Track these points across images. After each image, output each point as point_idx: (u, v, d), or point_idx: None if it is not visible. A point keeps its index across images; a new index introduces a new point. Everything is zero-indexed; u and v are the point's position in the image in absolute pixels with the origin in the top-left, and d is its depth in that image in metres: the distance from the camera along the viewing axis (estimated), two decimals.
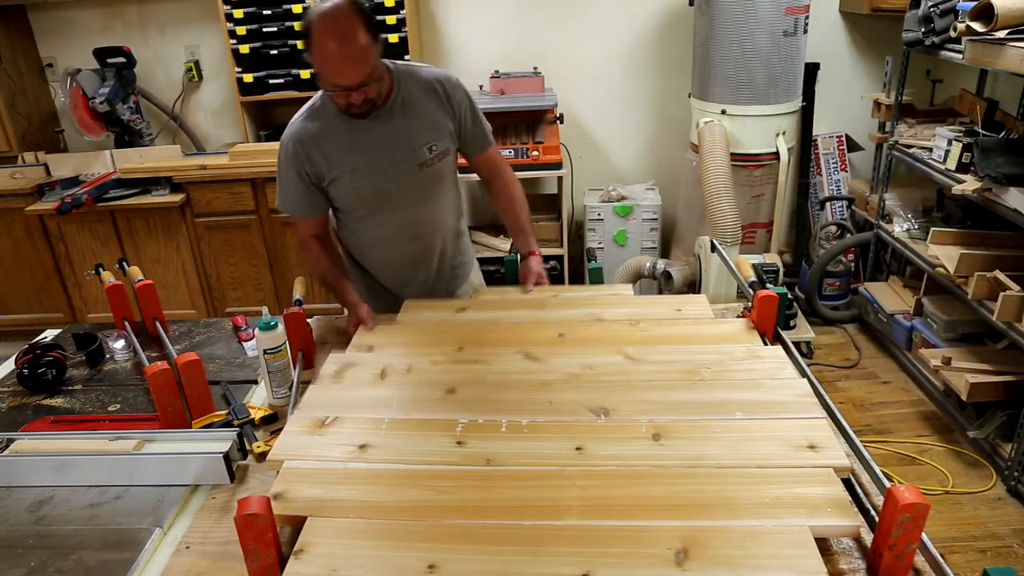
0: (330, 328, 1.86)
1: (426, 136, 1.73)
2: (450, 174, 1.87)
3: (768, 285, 1.59)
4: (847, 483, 1.14)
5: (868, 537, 1.05)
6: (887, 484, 1.09)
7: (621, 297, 1.79)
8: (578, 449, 1.20)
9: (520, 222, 1.92)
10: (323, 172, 1.69)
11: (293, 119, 1.71)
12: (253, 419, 1.44)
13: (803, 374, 1.42)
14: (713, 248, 2.19)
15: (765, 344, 1.53)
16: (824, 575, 0.94)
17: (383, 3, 3.37)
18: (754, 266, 1.70)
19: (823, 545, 1.05)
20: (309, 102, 1.71)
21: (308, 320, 1.70)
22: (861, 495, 1.11)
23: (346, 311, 1.77)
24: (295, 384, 1.49)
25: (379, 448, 1.22)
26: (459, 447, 1.22)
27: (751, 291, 1.59)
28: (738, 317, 1.68)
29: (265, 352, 1.49)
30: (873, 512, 1.06)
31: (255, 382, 1.64)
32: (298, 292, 1.73)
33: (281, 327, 1.51)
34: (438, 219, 1.87)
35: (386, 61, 1.67)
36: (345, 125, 1.67)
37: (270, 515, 0.99)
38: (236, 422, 1.41)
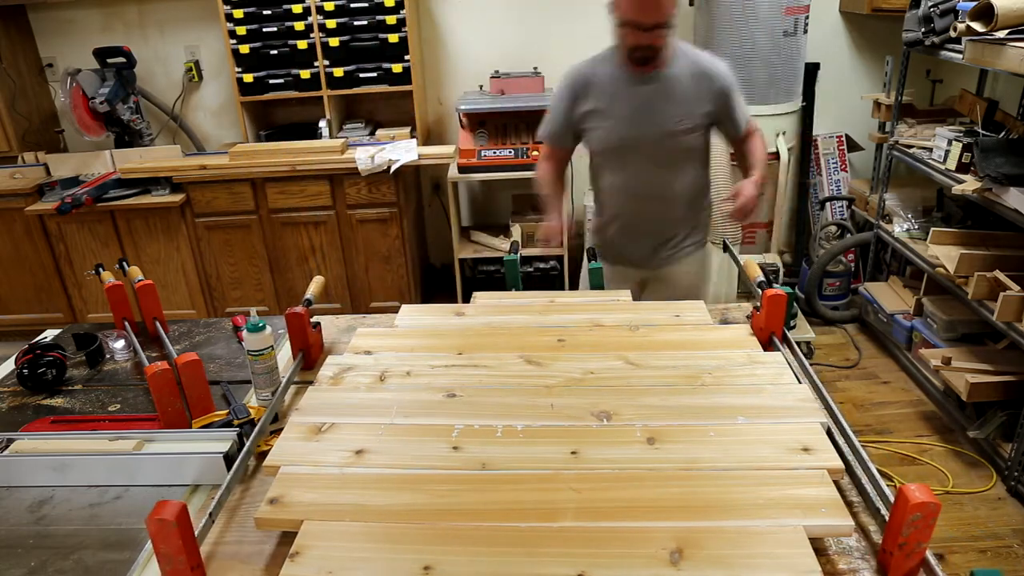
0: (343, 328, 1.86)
1: (680, 110, 1.91)
2: (694, 151, 2.02)
3: (774, 285, 1.60)
4: (856, 483, 1.15)
5: (878, 537, 1.05)
6: (882, 483, 1.09)
7: (620, 303, 1.79)
8: (573, 453, 1.20)
9: (755, 160, 2.02)
10: (585, 111, 1.97)
11: (577, 62, 2.01)
12: (253, 419, 1.44)
13: (805, 373, 1.43)
14: (725, 249, 2.20)
15: (764, 349, 1.53)
16: (819, 573, 0.95)
17: (383, 3, 3.37)
18: (761, 266, 1.71)
19: (821, 546, 1.05)
20: (595, 52, 2.00)
21: (316, 320, 1.69)
22: (872, 494, 1.11)
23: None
24: (280, 389, 1.48)
25: (375, 453, 1.22)
26: (455, 452, 1.22)
27: (759, 291, 1.59)
28: (748, 317, 1.69)
29: (249, 353, 1.47)
30: (884, 511, 1.06)
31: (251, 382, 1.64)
32: (311, 292, 1.72)
33: (269, 330, 1.48)
34: (671, 188, 2.03)
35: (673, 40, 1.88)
36: (618, 77, 1.92)
37: (182, 522, 0.98)
38: (236, 422, 1.40)
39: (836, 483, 1.11)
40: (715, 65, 1.95)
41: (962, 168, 2.67)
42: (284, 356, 1.69)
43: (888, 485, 1.09)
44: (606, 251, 2.19)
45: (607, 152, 2.03)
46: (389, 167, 3.32)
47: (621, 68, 1.92)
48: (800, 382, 1.39)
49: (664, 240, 2.13)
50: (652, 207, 2.07)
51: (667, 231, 2.12)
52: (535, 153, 3.37)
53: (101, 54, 3.58)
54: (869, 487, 1.13)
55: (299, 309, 1.60)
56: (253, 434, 1.31)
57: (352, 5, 3.40)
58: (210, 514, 1.10)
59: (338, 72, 3.49)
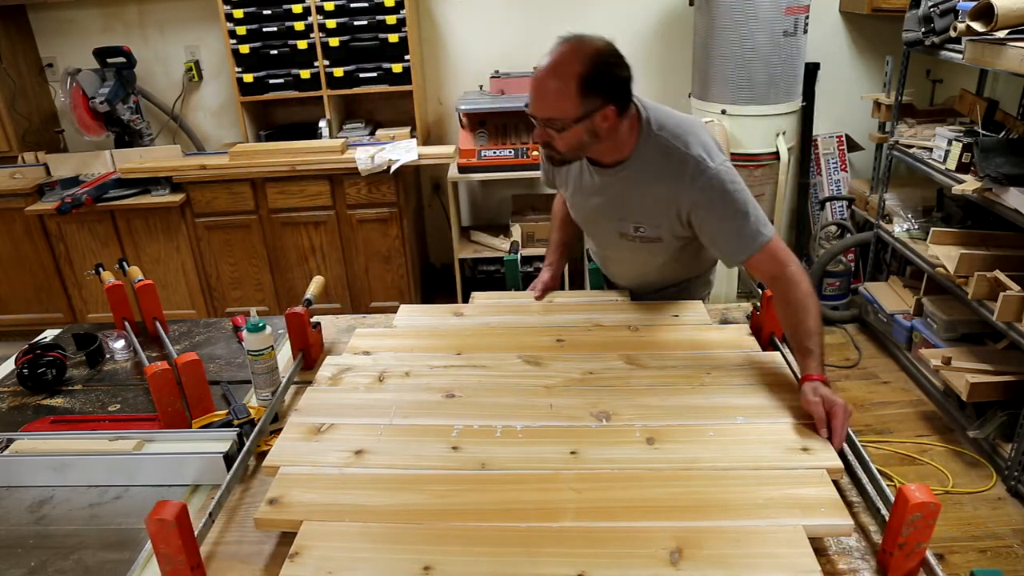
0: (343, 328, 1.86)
1: (638, 216, 1.59)
2: (667, 258, 1.68)
3: None
4: (856, 483, 1.15)
5: (878, 537, 1.06)
6: (882, 483, 1.09)
7: (619, 303, 1.79)
8: (573, 453, 1.20)
9: (798, 336, 1.39)
10: (554, 171, 1.74)
11: None
12: (253, 419, 1.44)
13: None
14: None
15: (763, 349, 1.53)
16: (818, 573, 0.95)
17: (383, 3, 3.37)
18: None
19: (821, 546, 1.05)
20: None
21: (316, 320, 1.69)
22: (872, 494, 1.11)
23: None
24: (280, 389, 1.48)
25: (375, 454, 1.22)
26: (455, 452, 1.22)
27: (759, 291, 1.60)
28: (748, 317, 1.69)
29: (249, 353, 1.47)
30: (884, 511, 1.06)
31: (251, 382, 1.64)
32: (311, 292, 1.72)
33: (269, 330, 1.47)
34: (638, 273, 1.81)
35: (655, 124, 1.51)
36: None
37: (182, 522, 0.98)
38: (236, 422, 1.40)
39: (836, 483, 1.11)
40: (696, 164, 1.47)
41: (962, 168, 2.67)
42: (284, 356, 1.69)
43: (888, 485, 1.09)
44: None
45: (583, 225, 1.81)
46: (389, 167, 3.32)
47: None
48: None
49: (650, 292, 1.85)
50: (631, 274, 1.84)
51: (650, 292, 1.84)
52: (535, 153, 3.37)
53: (101, 54, 3.58)
54: (869, 487, 1.13)
55: (299, 309, 1.60)
56: (253, 434, 1.31)
57: (352, 5, 3.40)
58: (210, 514, 1.10)
59: (338, 72, 3.49)
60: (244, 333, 1.47)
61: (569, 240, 1.97)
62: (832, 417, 1.22)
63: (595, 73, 1.37)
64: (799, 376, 1.34)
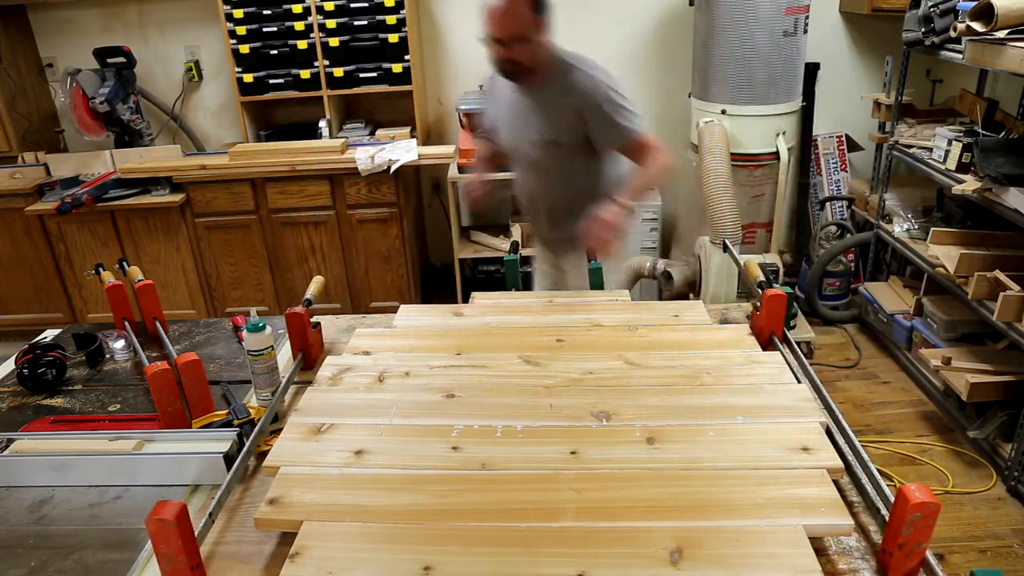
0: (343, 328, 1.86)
1: (544, 126, 1.97)
2: (564, 162, 2.03)
3: (774, 285, 1.60)
4: (856, 483, 1.15)
5: (878, 537, 1.06)
6: (882, 483, 1.09)
7: (619, 303, 1.79)
8: (573, 453, 1.20)
9: (634, 177, 2.00)
10: (491, 104, 2.18)
11: None
12: (253, 419, 1.44)
13: (805, 373, 1.43)
14: (725, 249, 2.20)
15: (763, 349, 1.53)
16: (818, 573, 0.95)
17: (383, 3, 3.37)
18: (761, 266, 1.71)
19: (821, 546, 1.05)
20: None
21: (316, 320, 1.69)
22: (872, 494, 1.11)
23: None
24: (280, 389, 1.47)
25: (375, 454, 1.22)
26: (455, 452, 1.22)
27: (759, 291, 1.60)
28: (748, 317, 1.69)
29: (249, 353, 1.47)
30: (884, 511, 1.06)
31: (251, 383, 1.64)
32: (311, 292, 1.72)
33: (269, 330, 1.48)
34: (547, 190, 2.12)
35: (564, 55, 1.94)
36: (506, 87, 2.01)
37: (182, 522, 0.98)
38: (236, 422, 1.40)
39: (836, 483, 1.11)
40: (585, 80, 1.91)
41: (962, 168, 2.67)
42: (284, 356, 1.69)
43: (888, 485, 1.09)
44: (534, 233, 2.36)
45: (507, 150, 2.17)
46: (389, 167, 3.32)
47: (508, 82, 1.99)
48: (800, 382, 1.39)
49: (564, 236, 2.17)
50: (546, 205, 2.17)
51: (564, 229, 2.13)
52: None
53: (101, 54, 3.58)
54: (869, 487, 1.13)
55: (299, 309, 1.60)
56: (253, 434, 1.31)
57: (352, 5, 3.40)
58: (210, 514, 1.10)
59: (338, 72, 3.48)
60: (244, 333, 1.47)
61: (493, 164, 2.30)
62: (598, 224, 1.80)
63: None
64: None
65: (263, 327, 1.47)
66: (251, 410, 1.46)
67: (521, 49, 1.84)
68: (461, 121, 3.51)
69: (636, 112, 1.98)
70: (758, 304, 1.58)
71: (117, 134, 3.67)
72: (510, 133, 2.10)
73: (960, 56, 2.54)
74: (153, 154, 3.62)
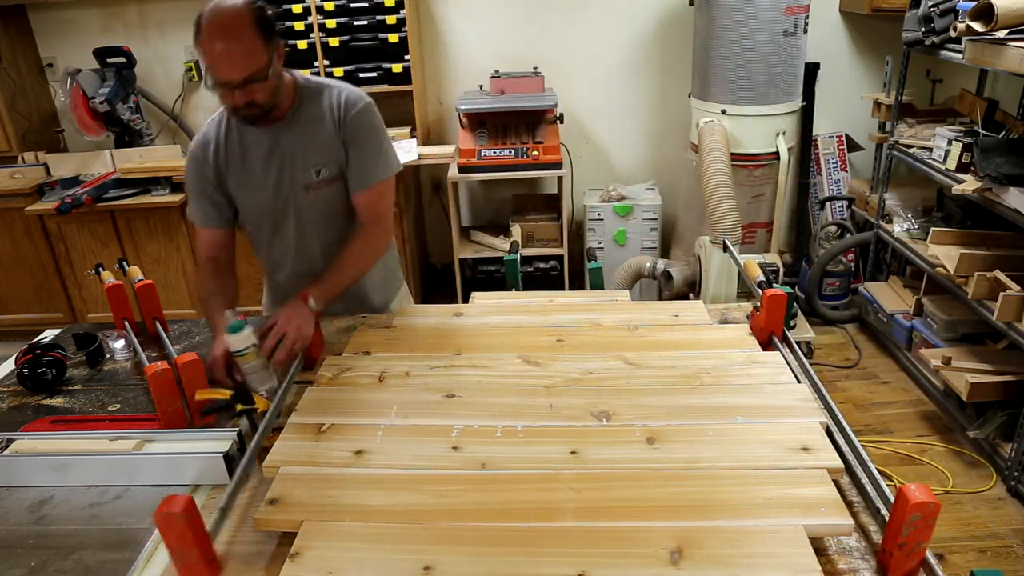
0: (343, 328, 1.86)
1: (315, 157, 1.64)
2: (337, 203, 1.71)
3: (774, 285, 1.60)
4: (856, 483, 1.15)
5: (878, 537, 1.06)
6: (882, 483, 1.09)
7: (618, 303, 1.79)
8: (573, 453, 1.20)
9: (335, 265, 1.64)
10: (225, 178, 1.66)
11: (202, 127, 1.69)
12: (256, 408, 1.40)
13: (805, 373, 1.43)
14: (725, 249, 2.20)
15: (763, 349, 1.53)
16: (818, 573, 0.95)
17: (383, 3, 3.37)
18: (761, 266, 1.71)
19: (821, 546, 1.05)
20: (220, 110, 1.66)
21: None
22: (872, 494, 1.11)
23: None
24: (283, 387, 1.45)
25: (375, 454, 1.22)
26: (455, 452, 1.22)
27: (759, 291, 1.60)
28: (748, 317, 1.69)
29: (233, 355, 1.43)
30: (884, 511, 1.06)
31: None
32: None
33: (247, 330, 1.41)
34: (329, 254, 1.71)
35: (297, 74, 1.64)
36: (241, 135, 1.63)
37: (190, 514, 0.98)
38: (239, 407, 1.36)
39: (836, 483, 1.11)
40: (348, 94, 1.65)
41: (962, 168, 2.67)
42: None
43: (888, 485, 1.09)
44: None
45: (252, 223, 1.74)
46: None
47: (243, 126, 1.63)
48: (800, 382, 1.39)
49: (343, 308, 1.80)
50: (305, 265, 1.76)
51: (345, 298, 1.73)
52: (535, 153, 3.37)
53: (101, 54, 3.58)
54: (869, 487, 1.13)
55: None
56: (259, 430, 1.30)
57: (352, 5, 3.40)
58: (222, 509, 1.11)
59: (338, 72, 3.48)
60: (226, 335, 1.41)
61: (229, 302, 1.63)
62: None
63: (262, 18, 1.47)
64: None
65: (241, 326, 1.42)
66: (257, 400, 1.45)
67: (260, 87, 1.48)
68: (461, 121, 3.51)
69: (392, 150, 1.71)
70: (758, 304, 1.58)
71: (117, 134, 3.67)
72: (263, 190, 1.66)
73: (960, 56, 2.54)
74: (153, 154, 3.62)
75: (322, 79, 1.69)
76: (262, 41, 1.46)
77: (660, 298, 3.39)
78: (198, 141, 1.67)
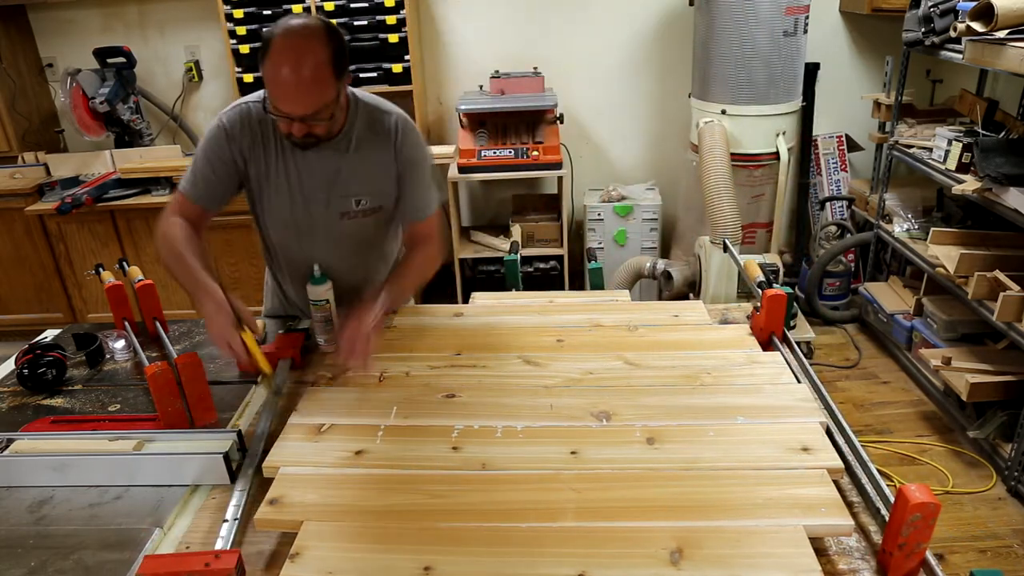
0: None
1: (359, 187, 1.59)
2: (379, 235, 1.71)
3: (774, 285, 1.60)
4: (856, 483, 1.15)
5: (878, 537, 1.06)
6: (882, 483, 1.09)
7: (618, 303, 1.79)
8: (573, 453, 1.20)
9: (395, 274, 1.67)
10: (249, 163, 1.57)
11: (242, 99, 1.58)
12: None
13: (805, 373, 1.43)
14: (725, 249, 2.19)
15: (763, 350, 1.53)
16: (818, 573, 0.95)
17: (383, 3, 3.37)
18: (761, 266, 1.71)
19: (821, 546, 1.05)
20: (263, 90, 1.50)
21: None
22: (872, 494, 1.11)
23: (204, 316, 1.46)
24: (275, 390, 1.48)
25: (375, 454, 1.22)
26: (455, 452, 1.22)
27: (759, 291, 1.60)
28: (748, 317, 1.69)
29: (312, 304, 1.59)
30: (884, 512, 1.06)
31: (255, 382, 1.64)
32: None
33: (328, 284, 1.57)
34: (352, 277, 1.69)
35: (352, 91, 1.57)
36: (284, 143, 1.54)
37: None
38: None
39: (836, 483, 1.11)
40: (402, 119, 1.62)
41: (962, 168, 2.67)
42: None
43: (888, 485, 1.09)
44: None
45: (276, 224, 1.68)
46: None
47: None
48: (800, 382, 1.39)
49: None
50: (342, 267, 1.69)
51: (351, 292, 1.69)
52: (535, 153, 3.37)
53: (101, 54, 3.58)
54: (869, 487, 1.13)
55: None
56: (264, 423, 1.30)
57: (352, 5, 3.40)
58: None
59: None
60: (309, 285, 1.57)
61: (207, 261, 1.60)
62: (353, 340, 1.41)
63: (338, 51, 1.39)
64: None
65: (325, 279, 1.57)
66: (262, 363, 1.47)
67: (323, 124, 1.45)
68: (461, 121, 3.51)
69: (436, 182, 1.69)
70: (758, 304, 1.59)
71: (117, 134, 3.67)
72: (291, 198, 1.59)
73: (960, 56, 2.54)
74: (153, 154, 3.62)
75: (376, 99, 1.62)
76: (333, 76, 1.38)
77: (660, 298, 3.39)
78: (234, 117, 1.54)
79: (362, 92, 1.60)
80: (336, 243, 1.66)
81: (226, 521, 1.12)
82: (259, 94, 1.54)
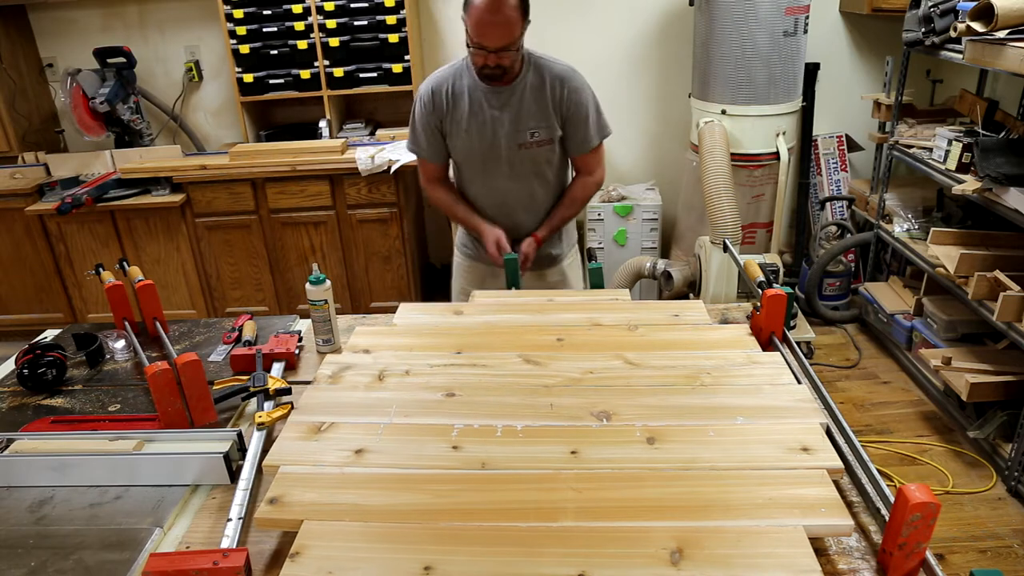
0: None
1: (532, 121, 1.98)
2: (549, 162, 2.08)
3: (774, 285, 1.60)
4: (856, 483, 1.15)
5: (878, 537, 1.06)
6: (882, 483, 1.09)
7: (619, 302, 1.79)
8: (573, 453, 1.20)
9: (554, 212, 2.15)
10: (446, 120, 2.00)
11: (435, 71, 2.04)
12: (267, 389, 1.46)
13: (805, 373, 1.43)
14: (725, 249, 2.20)
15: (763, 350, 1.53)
16: (818, 573, 0.95)
17: (383, 3, 3.37)
18: (761, 266, 1.71)
19: (821, 546, 1.05)
20: (453, 60, 2.03)
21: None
22: (872, 494, 1.11)
23: (484, 239, 2.09)
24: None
25: (375, 453, 1.22)
26: (455, 451, 1.22)
27: (759, 291, 1.60)
28: (748, 317, 1.69)
29: (311, 304, 1.67)
30: (884, 511, 1.06)
31: (253, 383, 1.64)
32: (248, 334, 1.78)
33: (328, 284, 1.68)
34: (528, 200, 2.11)
35: (525, 48, 1.96)
36: (475, 88, 1.96)
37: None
38: (252, 388, 1.46)
39: (836, 483, 1.11)
40: (568, 72, 2.00)
41: (962, 168, 2.67)
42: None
43: (888, 485, 1.09)
44: (477, 247, 2.25)
45: (468, 163, 2.10)
46: (389, 167, 3.32)
47: (476, 82, 1.97)
48: (800, 382, 1.39)
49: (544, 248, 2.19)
50: (513, 222, 2.14)
51: (531, 225, 2.17)
52: None
53: (101, 54, 3.58)
54: (869, 487, 1.13)
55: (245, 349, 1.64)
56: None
57: (352, 5, 3.40)
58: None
59: (338, 72, 3.49)
60: (307, 285, 1.66)
61: (470, 206, 2.17)
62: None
63: None
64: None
65: (322, 280, 1.67)
66: (271, 380, 1.48)
67: (509, 55, 1.86)
68: None
69: (602, 115, 2.07)
70: (758, 304, 1.58)
71: (117, 134, 3.67)
72: (480, 138, 2.01)
73: (960, 56, 2.54)
74: (153, 154, 3.62)
75: (541, 54, 2.01)
76: (520, 18, 1.83)
77: (660, 298, 3.39)
78: (429, 86, 2.01)
79: (532, 48, 2.00)
80: (514, 172, 2.05)
81: (231, 520, 1.12)
82: (440, 71, 2.04)
